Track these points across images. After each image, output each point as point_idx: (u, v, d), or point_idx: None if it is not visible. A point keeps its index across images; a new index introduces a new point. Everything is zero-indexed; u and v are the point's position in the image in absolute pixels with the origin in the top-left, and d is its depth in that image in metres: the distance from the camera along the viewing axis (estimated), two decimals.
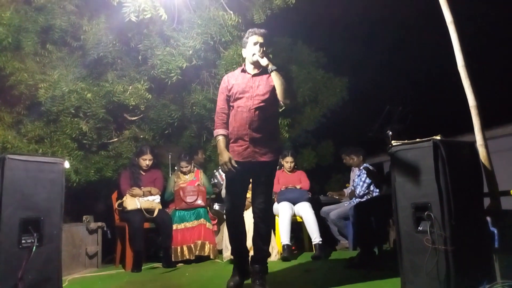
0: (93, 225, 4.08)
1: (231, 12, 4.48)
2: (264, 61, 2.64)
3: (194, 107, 4.73)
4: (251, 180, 2.83)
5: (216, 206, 4.49)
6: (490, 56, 7.85)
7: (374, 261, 3.35)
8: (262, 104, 2.65)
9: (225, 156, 2.62)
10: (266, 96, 2.67)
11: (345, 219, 4.42)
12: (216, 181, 4.71)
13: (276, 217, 4.33)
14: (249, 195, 2.91)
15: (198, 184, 4.39)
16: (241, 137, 2.67)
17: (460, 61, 2.62)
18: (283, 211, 4.20)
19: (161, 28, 4.40)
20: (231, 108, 2.76)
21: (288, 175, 4.67)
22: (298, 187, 4.52)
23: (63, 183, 2.54)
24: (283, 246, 4.00)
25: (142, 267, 3.80)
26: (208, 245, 4.07)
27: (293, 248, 4.35)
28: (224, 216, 3.64)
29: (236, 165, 2.61)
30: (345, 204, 4.59)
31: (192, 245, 4.04)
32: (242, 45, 2.82)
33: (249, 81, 2.72)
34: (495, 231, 2.28)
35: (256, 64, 2.72)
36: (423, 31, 7.69)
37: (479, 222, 2.31)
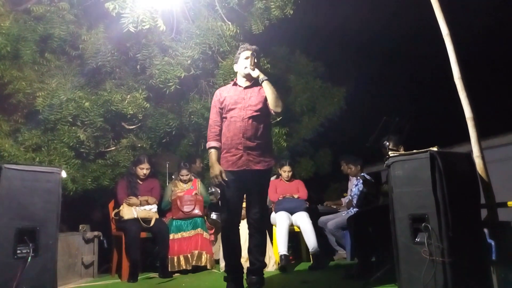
0: (89, 235, 4.05)
1: (229, 23, 4.52)
2: (255, 73, 2.74)
3: (192, 116, 4.74)
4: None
5: (214, 215, 4.47)
6: (485, 65, 7.93)
7: (372, 272, 3.33)
8: (255, 113, 2.74)
9: (216, 169, 2.69)
10: (259, 106, 2.76)
11: (342, 229, 4.41)
12: (213, 190, 4.70)
13: (274, 226, 4.32)
14: (243, 205, 2.92)
15: (196, 193, 4.37)
16: (235, 146, 2.72)
17: (456, 73, 2.65)
18: (280, 221, 4.19)
19: (160, 38, 4.43)
20: (224, 119, 2.83)
21: (286, 184, 4.67)
22: (296, 196, 4.51)
23: (59, 193, 2.53)
24: (281, 256, 3.98)
25: (139, 277, 3.76)
26: (205, 255, 4.04)
27: (290, 258, 4.33)
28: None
29: (226, 179, 2.67)
30: (343, 214, 4.58)
31: (189, 255, 4.01)
32: (234, 60, 2.93)
33: (241, 93, 2.81)
34: (493, 243, 2.28)
35: (248, 77, 2.82)
36: (420, 42, 7.77)
37: (476, 233, 2.31)
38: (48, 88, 4.09)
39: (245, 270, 2.85)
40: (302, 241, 4.41)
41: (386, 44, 8.37)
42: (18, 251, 2.27)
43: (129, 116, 4.48)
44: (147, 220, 3.96)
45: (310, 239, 4.11)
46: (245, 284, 2.80)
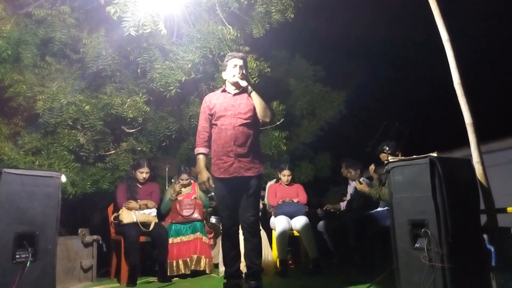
0: (88, 238, 4.04)
1: (230, 27, 4.53)
2: (243, 83, 2.80)
3: (192, 120, 4.75)
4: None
5: (213, 219, 4.46)
6: (485, 70, 7.96)
7: (372, 275, 3.33)
8: (245, 121, 2.79)
9: (204, 175, 2.77)
10: (248, 114, 2.81)
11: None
12: (213, 194, 4.68)
13: (273, 231, 4.31)
14: None
15: (195, 197, 4.36)
16: (226, 153, 2.77)
17: (456, 79, 2.65)
18: (280, 225, 4.18)
19: (161, 42, 4.44)
20: (214, 126, 2.87)
21: (286, 188, 4.66)
22: (295, 200, 4.50)
23: (59, 197, 2.53)
24: (280, 260, 3.97)
25: (137, 281, 3.75)
26: (204, 260, 4.03)
27: (290, 262, 4.32)
28: (221, 230, 3.63)
29: (213, 185, 2.75)
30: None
31: (188, 259, 4.00)
32: (223, 68, 2.98)
33: (230, 99, 2.86)
34: (492, 249, 2.28)
35: (236, 85, 2.87)
36: (420, 48, 7.80)
37: (476, 239, 2.31)
38: (48, 92, 4.09)
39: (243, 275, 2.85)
40: (302, 246, 4.39)
41: (386, 49, 8.39)
42: (17, 256, 2.26)
43: (129, 119, 4.49)
44: (146, 224, 3.95)
45: (310, 244, 4.10)
46: None
